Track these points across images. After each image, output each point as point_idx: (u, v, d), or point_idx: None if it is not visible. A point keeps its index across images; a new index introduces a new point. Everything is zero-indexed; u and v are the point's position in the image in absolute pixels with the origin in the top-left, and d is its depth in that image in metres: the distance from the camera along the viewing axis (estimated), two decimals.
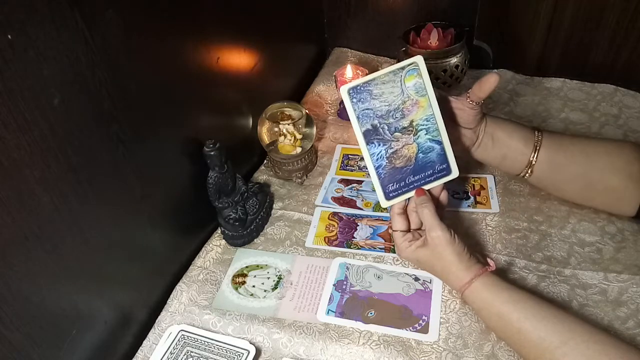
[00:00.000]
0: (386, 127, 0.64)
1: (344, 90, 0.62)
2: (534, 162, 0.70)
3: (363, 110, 0.63)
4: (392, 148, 0.65)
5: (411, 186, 0.67)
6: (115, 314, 0.63)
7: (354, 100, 0.62)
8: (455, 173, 0.67)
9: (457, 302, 0.68)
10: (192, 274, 0.75)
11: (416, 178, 0.67)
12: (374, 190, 0.67)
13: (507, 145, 0.70)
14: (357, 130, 0.64)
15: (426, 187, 0.67)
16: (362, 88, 0.62)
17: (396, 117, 0.64)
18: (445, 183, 0.68)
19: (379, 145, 0.64)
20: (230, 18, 0.79)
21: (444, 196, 0.69)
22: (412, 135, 0.65)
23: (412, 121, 0.64)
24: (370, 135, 0.64)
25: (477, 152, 0.72)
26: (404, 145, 0.65)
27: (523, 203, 0.81)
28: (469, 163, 0.89)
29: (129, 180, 0.62)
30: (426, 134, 0.65)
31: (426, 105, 0.64)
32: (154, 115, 0.64)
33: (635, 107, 0.97)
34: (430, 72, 0.99)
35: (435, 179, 0.67)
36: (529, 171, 0.71)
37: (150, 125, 0.64)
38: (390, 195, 0.67)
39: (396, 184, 0.66)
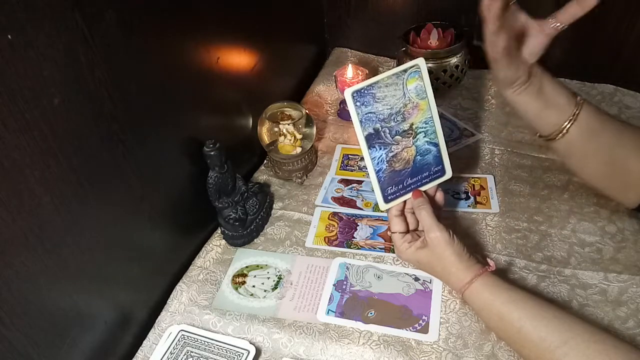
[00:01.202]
0: (387, 131, 0.64)
1: (348, 94, 0.62)
2: (570, 124, 0.65)
3: (366, 114, 0.63)
4: (392, 151, 0.65)
5: (408, 188, 0.67)
6: (115, 314, 0.63)
7: (358, 103, 0.62)
8: (449, 174, 0.68)
9: (457, 302, 0.68)
10: (192, 274, 0.75)
11: (413, 180, 0.67)
12: (373, 192, 0.67)
13: (551, 97, 0.65)
14: (360, 135, 0.63)
15: (422, 188, 0.68)
16: (365, 91, 0.62)
17: (397, 121, 0.64)
18: (441, 184, 0.68)
19: (380, 149, 0.64)
20: (230, 18, 0.79)
21: (439, 196, 0.69)
22: (411, 138, 0.65)
23: (412, 124, 0.65)
24: (372, 140, 0.64)
25: (521, 94, 0.65)
26: (403, 149, 0.65)
27: (523, 203, 0.81)
28: (468, 163, 0.89)
29: (129, 180, 0.62)
30: (424, 136, 0.66)
31: (426, 108, 0.64)
32: (154, 115, 0.64)
33: (635, 107, 0.97)
34: (430, 72, 1.00)
35: (430, 181, 0.68)
36: (565, 131, 0.66)
37: (150, 125, 0.64)
38: (389, 198, 0.67)
39: (395, 187, 0.67)
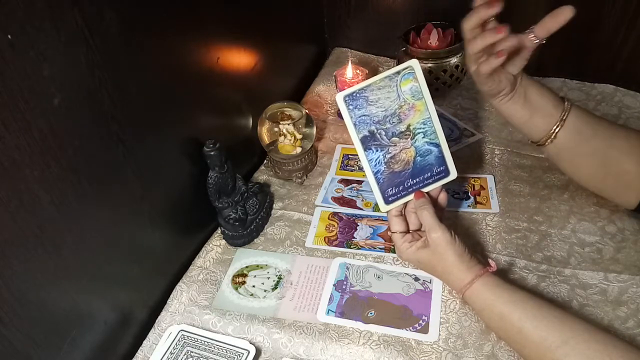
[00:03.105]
0: (383, 133, 0.64)
1: (339, 98, 0.62)
2: (558, 128, 0.66)
3: (360, 116, 0.63)
4: (390, 153, 0.65)
5: (410, 189, 0.67)
6: (115, 314, 0.63)
7: (350, 107, 0.62)
8: (453, 174, 0.68)
9: (457, 302, 0.68)
10: (192, 274, 0.75)
11: (415, 181, 0.67)
12: (372, 193, 0.67)
13: (538, 104, 0.67)
14: (355, 137, 0.64)
15: (425, 189, 0.67)
16: (357, 95, 0.62)
17: (393, 122, 0.64)
18: (444, 184, 0.68)
19: (377, 150, 0.64)
20: (230, 18, 0.79)
21: (442, 197, 0.69)
22: (409, 139, 0.65)
23: (409, 125, 0.65)
24: (368, 142, 0.64)
25: (506, 104, 0.67)
26: (401, 150, 0.65)
27: (523, 203, 0.81)
28: (468, 163, 0.89)
29: (129, 180, 0.62)
30: (423, 137, 0.65)
31: (423, 109, 0.64)
32: (153, 115, 0.64)
33: (635, 107, 0.97)
34: (430, 72, 1.00)
35: (434, 181, 0.67)
36: (553, 136, 0.67)
37: (150, 125, 0.64)
38: (390, 199, 0.67)
39: (395, 188, 0.66)
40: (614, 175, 0.68)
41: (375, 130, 0.64)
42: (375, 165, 0.65)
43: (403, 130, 0.65)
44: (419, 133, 0.65)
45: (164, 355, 0.63)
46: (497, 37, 0.59)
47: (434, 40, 1.02)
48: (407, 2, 1.10)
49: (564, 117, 0.66)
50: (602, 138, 0.67)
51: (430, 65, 1.00)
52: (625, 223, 0.75)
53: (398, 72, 0.63)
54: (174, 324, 0.68)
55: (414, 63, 0.63)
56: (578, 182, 0.75)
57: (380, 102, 0.63)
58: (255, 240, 0.80)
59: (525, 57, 0.63)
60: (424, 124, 0.65)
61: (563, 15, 0.59)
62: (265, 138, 0.87)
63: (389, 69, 0.63)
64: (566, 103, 0.66)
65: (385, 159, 0.65)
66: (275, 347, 0.66)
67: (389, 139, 0.64)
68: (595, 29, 0.98)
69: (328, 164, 0.93)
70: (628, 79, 1.00)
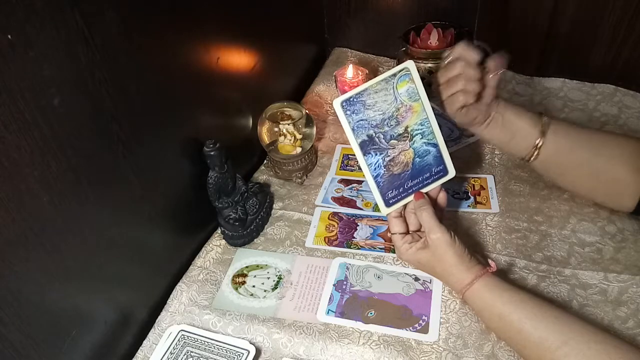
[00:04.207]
0: (382, 136, 0.64)
1: (337, 104, 0.62)
2: (540, 144, 0.69)
3: (358, 121, 0.63)
4: (389, 156, 0.65)
5: (410, 191, 0.67)
6: (115, 314, 0.63)
7: (348, 112, 0.62)
8: (452, 173, 0.68)
9: (457, 302, 0.68)
10: (192, 274, 0.75)
11: (414, 182, 0.67)
12: (373, 197, 0.67)
13: (516, 126, 0.69)
14: (353, 142, 0.64)
15: (425, 189, 0.67)
16: (354, 99, 0.62)
17: (391, 125, 0.64)
18: (443, 184, 0.68)
19: (376, 154, 0.64)
20: (230, 18, 0.79)
21: (442, 197, 0.69)
22: (407, 141, 0.65)
23: (407, 127, 0.65)
24: (367, 146, 0.64)
25: (486, 129, 0.70)
26: (400, 152, 0.65)
27: (523, 203, 0.81)
28: (468, 163, 0.89)
29: (129, 180, 0.62)
30: (421, 138, 0.65)
31: (420, 110, 0.64)
32: (154, 115, 0.64)
33: (635, 107, 0.97)
34: (430, 72, 1.00)
35: (433, 181, 0.67)
36: (536, 153, 0.70)
37: (150, 125, 0.64)
38: (390, 202, 0.67)
39: (395, 191, 0.66)
40: (605, 183, 0.70)
41: (374, 134, 0.64)
42: (375, 169, 0.65)
43: (401, 132, 0.65)
44: (416, 134, 0.65)
45: (164, 355, 0.63)
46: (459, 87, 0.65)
47: (434, 40, 1.02)
48: (407, 2, 1.10)
49: (544, 133, 0.68)
50: (587, 148, 0.69)
51: (430, 65, 1.00)
52: (625, 223, 0.75)
53: (394, 75, 0.62)
54: (174, 324, 0.68)
55: (409, 64, 0.63)
56: (570, 192, 0.78)
57: (377, 105, 0.63)
58: (255, 240, 0.80)
59: (491, 94, 0.67)
60: (422, 125, 0.65)
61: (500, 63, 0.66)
62: (265, 138, 0.87)
63: (388, 69, 0.63)
64: (544, 119, 0.69)
65: (385, 162, 0.65)
66: (275, 347, 0.66)
67: (387, 142, 0.64)
68: (595, 29, 0.98)
69: (328, 164, 0.93)
70: (628, 79, 1.00)
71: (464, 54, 0.65)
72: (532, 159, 0.71)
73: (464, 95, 0.65)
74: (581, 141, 0.69)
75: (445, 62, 0.67)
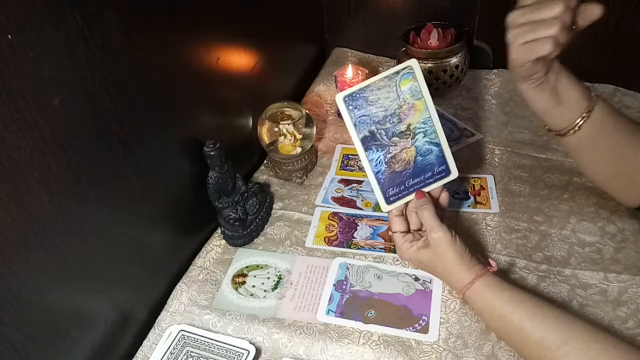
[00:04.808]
0: (383, 133, 0.64)
1: (339, 98, 0.62)
2: (584, 121, 0.64)
3: (360, 117, 0.63)
4: (391, 153, 0.65)
5: (411, 189, 0.67)
6: (115, 314, 0.63)
7: (350, 107, 0.62)
8: (454, 174, 0.68)
9: (457, 302, 0.68)
10: (192, 274, 0.75)
11: (416, 181, 0.67)
12: (374, 193, 0.67)
13: (565, 95, 0.64)
14: (355, 138, 0.64)
15: (426, 189, 0.67)
16: (357, 95, 0.62)
17: (393, 122, 0.64)
18: (445, 184, 0.68)
19: (377, 150, 0.64)
20: (230, 18, 0.79)
21: (444, 197, 0.69)
22: (410, 138, 0.65)
23: (409, 125, 0.65)
24: (368, 142, 0.64)
25: (534, 90, 0.64)
26: (402, 149, 0.65)
27: (523, 203, 0.81)
28: (468, 163, 0.89)
29: (129, 180, 0.62)
30: (424, 136, 0.65)
31: (423, 108, 0.64)
32: (154, 115, 0.64)
33: (635, 107, 0.97)
34: (430, 72, 1.00)
35: (435, 181, 0.67)
36: (577, 128, 0.64)
37: (150, 125, 0.64)
38: (391, 199, 0.67)
39: (396, 188, 0.66)
40: (627, 173, 0.67)
41: (376, 130, 0.64)
42: (376, 165, 0.65)
43: (403, 130, 0.65)
44: (419, 132, 0.65)
45: (164, 355, 0.63)
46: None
47: (434, 40, 1.02)
48: (407, 2, 1.10)
49: (590, 110, 0.63)
50: (622, 135, 0.65)
51: (430, 65, 1.00)
52: (625, 223, 0.75)
53: (397, 72, 0.63)
54: (174, 324, 0.68)
55: (413, 63, 0.63)
56: (587, 176, 0.74)
57: (380, 102, 0.63)
58: (255, 240, 0.80)
59: (567, 39, 0.58)
60: (424, 124, 0.65)
61: (593, 15, 0.58)
62: (265, 138, 0.87)
63: (389, 69, 0.64)
64: (593, 95, 0.64)
65: (386, 159, 0.65)
66: (275, 347, 0.66)
67: (389, 139, 0.64)
68: (595, 29, 0.98)
69: (328, 164, 0.93)
70: (628, 79, 1.00)
71: None
72: (570, 132, 0.65)
73: (553, 44, 0.56)
74: (620, 128, 0.65)
75: None
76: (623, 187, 0.70)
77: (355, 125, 0.63)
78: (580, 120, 0.64)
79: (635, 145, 0.65)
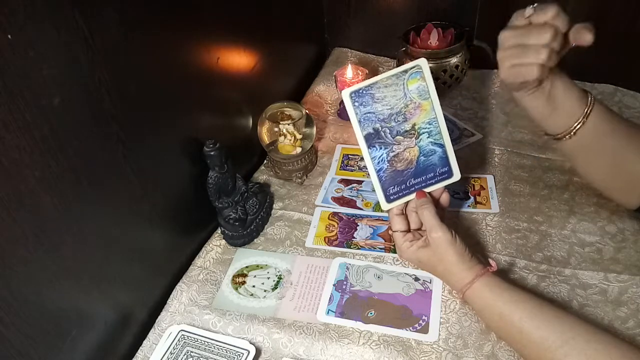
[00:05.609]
0: (388, 131, 0.64)
1: (345, 94, 0.62)
2: (578, 127, 0.64)
3: (365, 113, 0.63)
4: (394, 151, 0.65)
5: (412, 189, 0.67)
6: (115, 314, 0.63)
7: (356, 103, 0.62)
8: (457, 176, 0.68)
9: (457, 302, 0.68)
10: (192, 274, 0.75)
11: (417, 181, 0.67)
12: (374, 191, 0.67)
13: (562, 101, 0.64)
14: (359, 134, 0.64)
15: (427, 189, 0.67)
16: (364, 91, 0.62)
17: (398, 121, 0.64)
18: (446, 185, 0.68)
19: (381, 148, 0.64)
20: (230, 18, 0.79)
21: (444, 198, 0.69)
22: (414, 138, 0.65)
23: (414, 124, 0.65)
24: (372, 139, 0.64)
25: (529, 97, 0.64)
26: (405, 149, 0.65)
27: (523, 203, 0.81)
28: (468, 163, 0.89)
29: (129, 180, 0.62)
30: (428, 137, 0.65)
31: (429, 109, 0.64)
32: (154, 115, 0.64)
33: (635, 107, 0.97)
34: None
35: (436, 182, 0.67)
36: (573, 133, 0.65)
37: (150, 125, 0.64)
38: (391, 198, 0.67)
39: (397, 187, 0.66)
40: (625, 175, 0.67)
41: (380, 128, 0.64)
42: (378, 163, 0.65)
43: (408, 129, 0.65)
44: (423, 133, 0.65)
45: (164, 355, 0.63)
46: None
47: (434, 40, 1.02)
48: (407, 2, 1.10)
49: (587, 114, 0.63)
50: (619, 138, 0.65)
51: (430, 65, 0.98)
52: (625, 223, 0.75)
53: (405, 71, 0.62)
54: (174, 324, 0.68)
55: (422, 62, 0.63)
56: (585, 179, 0.74)
57: (386, 100, 0.63)
58: (255, 240, 0.80)
59: (561, 54, 0.59)
60: (430, 124, 0.65)
61: (584, 41, 0.59)
62: (265, 138, 0.87)
63: (389, 69, 0.63)
64: (590, 99, 0.64)
65: (389, 157, 0.65)
66: (275, 347, 0.66)
67: (393, 138, 0.64)
68: (596, 29, 0.98)
69: (328, 164, 0.93)
70: (628, 79, 1.00)
71: (558, 19, 0.56)
72: (566, 137, 0.65)
73: (540, 70, 0.57)
74: (617, 131, 0.65)
75: (525, 17, 0.57)
76: (621, 189, 0.70)
77: (360, 121, 0.63)
78: (577, 125, 0.64)
79: (633, 148, 0.65)
